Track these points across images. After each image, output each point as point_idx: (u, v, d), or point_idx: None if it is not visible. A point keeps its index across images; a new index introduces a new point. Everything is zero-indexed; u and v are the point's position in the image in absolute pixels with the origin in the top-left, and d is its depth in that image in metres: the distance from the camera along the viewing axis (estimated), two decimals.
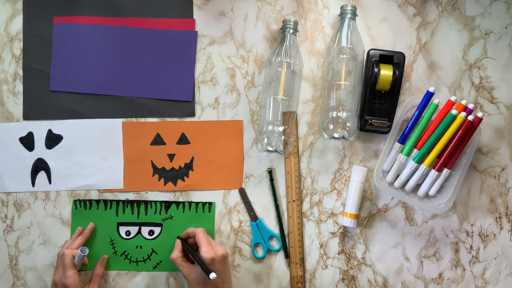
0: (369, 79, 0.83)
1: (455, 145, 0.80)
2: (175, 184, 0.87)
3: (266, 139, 0.82)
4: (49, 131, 0.87)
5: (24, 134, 0.87)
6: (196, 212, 0.87)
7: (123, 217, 0.87)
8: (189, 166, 0.87)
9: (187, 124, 0.87)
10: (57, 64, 0.87)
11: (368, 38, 0.87)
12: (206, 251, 0.76)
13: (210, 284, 0.76)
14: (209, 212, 0.87)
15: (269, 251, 0.87)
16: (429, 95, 0.81)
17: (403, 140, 0.83)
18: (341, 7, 0.84)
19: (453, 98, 0.81)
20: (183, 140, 0.87)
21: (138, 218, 0.87)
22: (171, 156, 0.87)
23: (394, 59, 0.84)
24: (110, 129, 0.87)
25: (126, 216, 0.87)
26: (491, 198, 0.87)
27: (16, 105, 0.87)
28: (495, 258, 0.87)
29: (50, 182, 0.87)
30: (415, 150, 0.82)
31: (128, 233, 0.87)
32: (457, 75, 0.88)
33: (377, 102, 0.85)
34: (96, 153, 0.87)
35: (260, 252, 0.87)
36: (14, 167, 0.87)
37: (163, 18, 0.88)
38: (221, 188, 0.87)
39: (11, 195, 0.87)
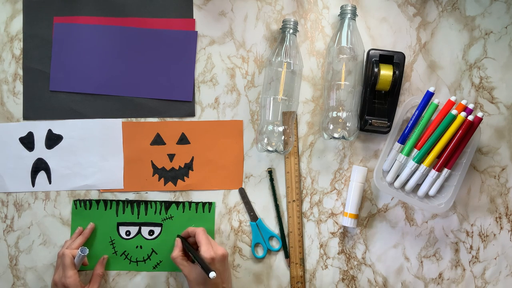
0: (369, 79, 0.83)
1: (455, 145, 0.80)
2: (175, 184, 0.87)
3: (266, 139, 0.82)
4: (49, 131, 0.87)
5: (24, 134, 0.87)
6: (196, 212, 0.87)
7: (123, 217, 0.87)
8: (189, 166, 0.87)
9: (187, 124, 0.87)
10: (57, 64, 0.87)
11: (368, 38, 0.87)
12: (206, 251, 0.76)
13: (210, 283, 0.76)
14: (209, 212, 0.87)
15: (269, 251, 0.87)
16: (429, 95, 0.81)
17: (403, 140, 0.83)
18: (341, 7, 0.84)
19: (453, 98, 0.81)
20: (183, 140, 0.87)
21: (138, 218, 0.87)
22: (171, 156, 0.87)
23: (394, 59, 0.84)
24: (110, 129, 0.87)
25: (126, 216, 0.87)
26: (491, 198, 0.87)
27: (16, 105, 0.87)
28: (495, 258, 0.87)
29: (50, 182, 0.87)
30: (415, 150, 0.82)
31: (128, 233, 0.87)
32: (457, 75, 0.88)
33: (377, 102, 0.85)
34: (96, 153, 0.87)
35: (260, 252, 0.87)
36: (14, 167, 0.87)
37: (163, 18, 0.88)
38: (221, 188, 0.87)
39: (11, 195, 0.87)
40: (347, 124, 0.81)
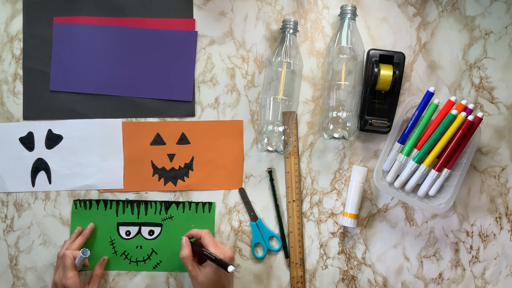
0: (369, 79, 0.83)
1: (455, 145, 0.80)
2: (175, 184, 0.87)
3: (266, 139, 0.82)
4: (49, 131, 0.87)
5: (24, 134, 0.87)
6: (196, 212, 0.87)
7: (123, 217, 0.87)
8: (189, 166, 0.87)
9: (187, 124, 0.87)
10: (57, 64, 0.87)
11: (368, 38, 0.87)
12: (215, 253, 0.76)
13: (218, 285, 0.76)
14: (209, 212, 0.87)
15: (269, 251, 0.87)
16: (429, 95, 0.81)
17: (403, 140, 0.83)
18: (341, 7, 0.84)
19: (453, 98, 0.81)
20: (183, 140, 0.87)
21: (138, 218, 0.87)
22: (171, 156, 0.87)
23: (394, 59, 0.84)
24: (110, 129, 0.87)
25: (126, 216, 0.87)
26: (491, 198, 0.87)
27: (16, 105, 0.87)
28: (495, 258, 0.87)
29: (50, 182, 0.87)
30: (415, 150, 0.82)
31: (128, 233, 0.87)
32: (457, 75, 0.88)
33: (377, 102, 0.85)
34: (96, 153, 0.87)
35: (260, 252, 0.87)
36: (14, 167, 0.87)
37: (163, 18, 0.88)
38: (221, 188, 0.87)
39: (11, 195, 0.87)
40: (347, 124, 0.81)
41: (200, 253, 0.78)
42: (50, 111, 0.87)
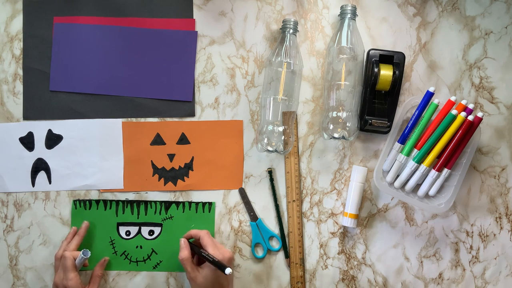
0: (369, 79, 0.83)
1: (455, 145, 0.80)
2: (175, 184, 0.87)
3: (266, 139, 0.82)
4: (49, 131, 0.87)
5: (24, 134, 0.87)
6: (196, 212, 0.87)
7: (123, 217, 0.87)
8: (189, 166, 0.87)
9: (187, 124, 0.87)
10: (57, 64, 0.87)
11: (368, 38, 0.87)
12: (214, 254, 0.76)
13: (217, 287, 0.76)
14: (209, 212, 0.87)
15: (269, 251, 0.87)
16: (429, 95, 0.81)
17: (403, 140, 0.83)
18: (341, 7, 0.84)
19: (453, 98, 0.81)
20: (183, 140, 0.87)
21: (138, 218, 0.87)
22: (171, 156, 0.87)
23: (394, 59, 0.84)
24: (110, 129, 0.87)
25: (126, 216, 0.87)
26: (491, 198, 0.87)
27: (16, 105, 0.87)
28: (495, 258, 0.87)
29: (50, 182, 0.87)
30: (415, 150, 0.82)
31: (128, 233, 0.87)
32: (457, 75, 0.88)
33: (377, 102, 0.85)
34: (96, 153, 0.87)
35: (260, 252, 0.87)
36: (14, 167, 0.87)
37: (163, 18, 0.88)
38: (221, 188, 0.87)
39: (11, 195, 0.87)
40: (347, 124, 0.81)
41: (198, 254, 0.78)
42: (50, 111, 0.87)
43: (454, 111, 0.79)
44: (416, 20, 0.88)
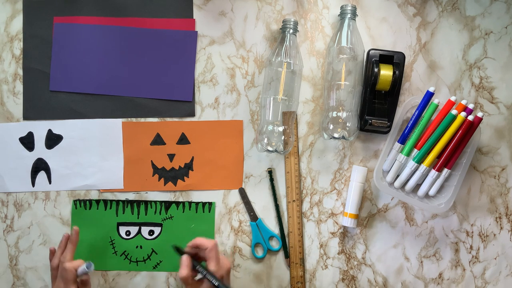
0: (369, 79, 0.83)
1: (455, 145, 0.80)
2: (175, 184, 0.87)
3: (266, 139, 0.82)
4: (49, 131, 0.87)
5: (24, 134, 0.87)
6: (196, 212, 0.87)
7: (123, 217, 0.87)
8: (189, 166, 0.87)
9: (187, 124, 0.87)
10: (57, 64, 0.87)
11: (368, 38, 0.87)
12: (216, 269, 0.72)
13: None
14: (209, 212, 0.87)
15: (269, 251, 0.87)
16: (429, 95, 0.81)
17: (403, 140, 0.83)
18: (341, 7, 0.84)
19: (453, 98, 0.81)
20: (183, 140, 0.87)
21: (138, 218, 0.87)
22: (171, 156, 0.87)
23: (394, 59, 0.84)
24: (110, 129, 0.87)
25: (126, 216, 0.87)
26: (491, 198, 0.87)
27: (16, 105, 0.87)
28: (495, 258, 0.87)
29: (50, 182, 0.87)
30: (415, 150, 0.82)
31: (128, 233, 0.87)
32: (457, 75, 0.88)
33: (377, 102, 0.85)
34: (96, 153, 0.87)
35: (260, 252, 0.87)
36: (14, 167, 0.87)
37: (163, 18, 0.88)
38: (221, 188, 0.87)
39: (11, 195, 0.87)
40: (347, 124, 0.81)
41: (201, 274, 0.73)
42: (50, 111, 0.87)
43: (454, 111, 0.79)
44: (416, 20, 0.88)
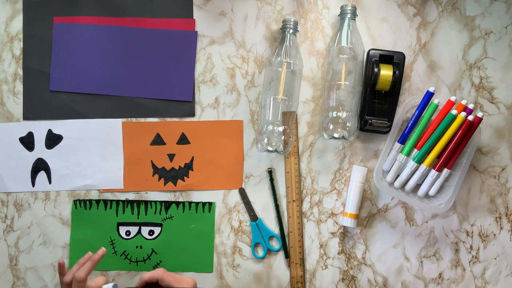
0: (369, 79, 0.83)
1: (455, 145, 0.80)
2: (175, 184, 0.87)
3: (266, 139, 0.82)
4: (49, 131, 0.87)
5: (24, 134, 0.87)
6: (196, 212, 0.87)
7: (123, 217, 0.87)
8: (189, 166, 0.87)
9: (187, 124, 0.87)
10: (57, 64, 0.87)
11: (368, 38, 0.87)
12: (180, 286, 0.71)
13: None
14: (209, 212, 0.87)
15: (269, 251, 0.87)
16: (429, 95, 0.81)
17: (403, 140, 0.83)
18: (341, 7, 0.84)
19: (453, 98, 0.81)
20: (183, 140, 0.87)
21: (138, 218, 0.87)
22: (171, 156, 0.87)
23: (394, 59, 0.84)
24: (110, 129, 0.87)
25: (126, 216, 0.87)
26: (491, 198, 0.87)
27: (16, 105, 0.87)
28: (495, 258, 0.87)
29: (50, 182, 0.87)
30: (415, 150, 0.82)
31: (128, 233, 0.87)
32: (457, 75, 0.88)
33: (377, 102, 0.85)
34: (96, 153, 0.87)
35: (260, 252, 0.87)
36: (14, 167, 0.87)
37: (163, 18, 0.88)
38: (221, 188, 0.87)
39: (11, 195, 0.87)
40: (347, 124, 0.81)
41: None
42: (50, 111, 0.87)
43: (454, 111, 0.79)
44: (416, 20, 0.88)
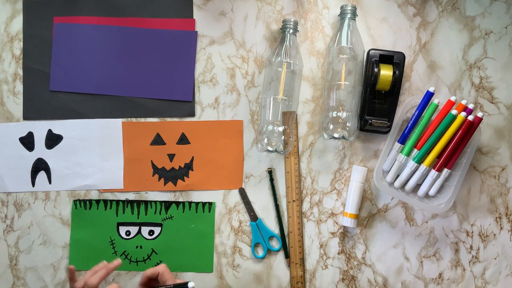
0: (369, 79, 0.83)
1: (455, 145, 0.80)
2: (175, 184, 0.87)
3: (266, 139, 0.82)
4: (49, 131, 0.87)
5: (24, 134, 0.87)
6: (196, 212, 0.87)
7: (123, 217, 0.87)
8: (189, 166, 0.87)
9: (187, 124, 0.87)
10: (57, 64, 0.87)
11: (368, 38, 0.87)
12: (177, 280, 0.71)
13: None
14: (209, 212, 0.87)
15: (269, 251, 0.87)
16: (429, 95, 0.81)
17: (403, 140, 0.83)
18: (341, 7, 0.84)
19: (453, 98, 0.81)
20: (183, 140, 0.87)
21: (138, 218, 0.87)
22: (171, 156, 0.87)
23: (394, 59, 0.84)
24: (110, 129, 0.87)
25: (126, 216, 0.87)
26: (491, 198, 0.87)
27: (16, 105, 0.87)
28: (495, 258, 0.87)
29: (50, 182, 0.87)
30: (415, 150, 0.82)
31: (128, 233, 0.87)
32: (457, 75, 0.88)
33: (377, 102, 0.85)
34: (96, 153, 0.87)
35: (260, 252, 0.87)
36: (14, 167, 0.87)
37: (163, 18, 0.88)
38: (221, 188, 0.87)
39: (11, 195, 0.87)
40: (347, 124, 0.81)
41: None
42: (50, 111, 0.87)
43: (454, 111, 0.79)
44: (416, 20, 0.88)
